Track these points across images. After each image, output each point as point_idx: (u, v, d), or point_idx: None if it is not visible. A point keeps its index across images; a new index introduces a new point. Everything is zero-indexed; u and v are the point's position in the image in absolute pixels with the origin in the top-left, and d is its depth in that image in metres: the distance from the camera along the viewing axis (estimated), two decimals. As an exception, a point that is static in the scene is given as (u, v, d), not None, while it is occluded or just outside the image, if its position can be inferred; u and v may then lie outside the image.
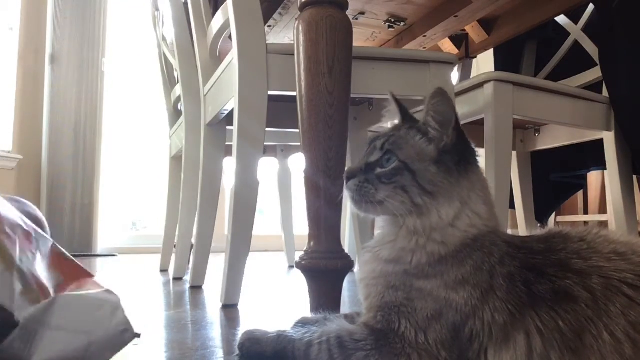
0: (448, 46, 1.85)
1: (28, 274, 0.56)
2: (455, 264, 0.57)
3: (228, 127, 1.56)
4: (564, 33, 1.82)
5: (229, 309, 1.15)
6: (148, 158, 3.52)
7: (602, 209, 3.49)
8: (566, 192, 2.14)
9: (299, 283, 1.07)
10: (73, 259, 0.68)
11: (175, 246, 1.97)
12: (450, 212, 0.60)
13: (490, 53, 2.05)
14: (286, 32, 1.64)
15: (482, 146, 1.39)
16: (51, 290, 0.59)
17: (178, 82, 1.90)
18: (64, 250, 0.68)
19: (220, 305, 1.18)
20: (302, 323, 0.75)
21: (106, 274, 2.04)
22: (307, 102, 0.98)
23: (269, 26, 1.60)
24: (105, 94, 3.30)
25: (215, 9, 1.44)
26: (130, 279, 1.87)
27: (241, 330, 0.67)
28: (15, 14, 3.14)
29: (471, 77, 1.91)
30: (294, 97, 1.03)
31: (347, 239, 2.17)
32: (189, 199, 1.84)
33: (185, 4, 1.76)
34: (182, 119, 1.87)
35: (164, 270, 2.10)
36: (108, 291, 0.61)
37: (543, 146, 1.86)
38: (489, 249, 0.57)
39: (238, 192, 1.16)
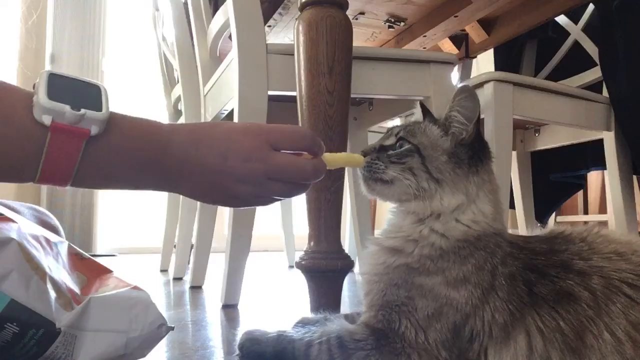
0: (448, 46, 1.85)
1: (59, 281, 0.57)
2: (457, 261, 0.57)
3: (228, 127, 1.56)
4: (564, 33, 1.81)
5: (229, 309, 1.15)
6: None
7: (602, 209, 3.49)
8: (566, 192, 2.14)
9: (299, 283, 1.07)
10: (89, 256, 0.69)
11: (175, 246, 1.97)
12: (453, 202, 0.60)
13: (490, 53, 2.05)
14: (286, 32, 1.64)
15: (482, 146, 1.38)
16: (79, 292, 0.60)
17: (178, 82, 1.90)
18: (79, 249, 0.69)
19: (220, 305, 1.18)
20: (302, 323, 0.75)
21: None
22: (307, 102, 0.98)
23: (269, 26, 1.60)
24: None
25: (215, 9, 1.44)
26: (131, 279, 1.87)
27: (241, 330, 0.67)
28: (15, 14, 3.14)
29: (471, 77, 1.91)
30: (294, 97, 1.03)
31: (347, 239, 2.17)
32: (188, 199, 1.83)
33: (185, 4, 1.76)
34: (182, 119, 1.87)
35: (164, 270, 2.10)
36: (136, 288, 0.61)
37: (543, 146, 1.86)
38: (491, 250, 0.58)
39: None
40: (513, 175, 1.92)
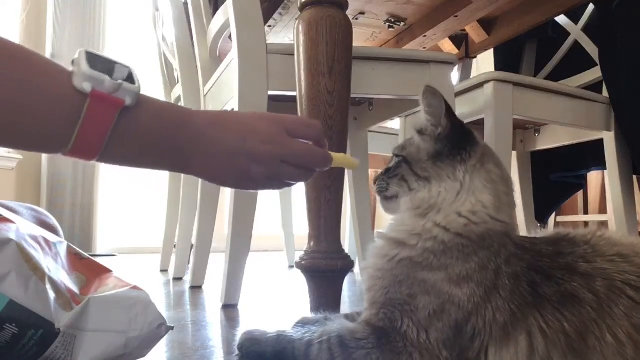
0: (448, 46, 1.85)
1: (58, 281, 0.57)
2: (460, 258, 0.58)
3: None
4: (564, 33, 1.81)
5: (229, 309, 1.15)
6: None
7: (602, 209, 3.49)
8: (566, 192, 2.14)
9: (299, 283, 1.07)
10: (88, 256, 0.69)
11: (175, 246, 1.97)
12: (443, 192, 0.62)
13: (490, 53, 2.05)
14: (286, 32, 1.64)
15: (482, 146, 1.38)
16: (78, 293, 0.60)
17: (178, 82, 1.90)
18: (78, 249, 0.69)
19: (220, 305, 1.18)
20: (302, 323, 0.75)
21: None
22: (307, 102, 0.98)
23: (269, 26, 1.60)
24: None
25: (215, 9, 1.44)
26: (131, 279, 1.87)
27: (241, 330, 0.67)
28: (15, 13, 3.14)
29: (471, 77, 1.91)
30: (294, 97, 1.03)
31: (347, 239, 2.17)
32: (189, 199, 1.84)
33: (185, 4, 1.76)
34: (182, 119, 1.87)
35: (164, 270, 2.10)
36: (136, 288, 0.61)
37: (543, 146, 1.86)
38: (496, 250, 0.58)
39: (238, 192, 1.16)
40: (513, 175, 1.91)
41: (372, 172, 2.12)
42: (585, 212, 3.61)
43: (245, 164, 0.58)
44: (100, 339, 0.56)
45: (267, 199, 3.10)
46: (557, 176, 2.00)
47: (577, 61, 1.76)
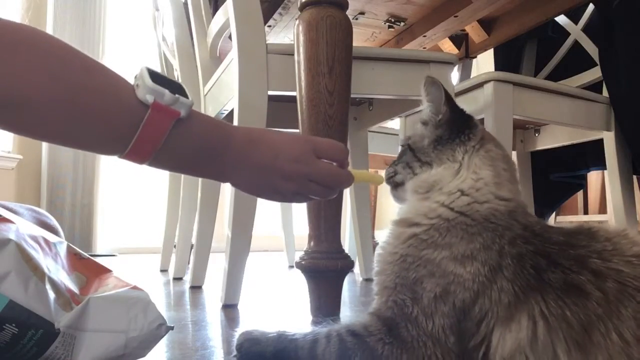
0: (448, 46, 1.85)
1: (57, 281, 0.57)
2: (465, 238, 0.58)
3: (228, 127, 1.56)
4: (564, 33, 1.81)
5: (229, 309, 1.15)
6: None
7: (602, 209, 3.48)
8: (566, 192, 2.14)
9: (299, 283, 1.07)
10: (88, 256, 0.69)
11: (175, 246, 1.97)
12: (443, 171, 0.65)
13: (490, 53, 2.05)
14: (286, 32, 1.64)
15: (482, 146, 1.38)
16: (78, 292, 0.60)
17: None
18: (78, 249, 0.69)
19: (220, 305, 1.18)
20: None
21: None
22: (307, 102, 0.98)
23: (269, 26, 1.60)
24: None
25: (215, 9, 1.44)
26: (131, 279, 1.87)
27: (241, 331, 0.67)
28: (15, 13, 3.14)
29: (471, 77, 1.91)
30: (294, 97, 1.03)
31: (347, 239, 2.18)
32: (189, 199, 1.84)
33: (185, 4, 1.76)
34: (182, 119, 1.87)
35: (164, 270, 2.10)
36: (136, 288, 0.62)
37: (543, 146, 1.86)
38: (500, 232, 0.57)
39: (238, 193, 1.16)
40: (513, 175, 1.91)
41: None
42: (585, 212, 3.61)
43: (275, 179, 0.65)
44: (100, 339, 0.56)
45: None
46: (557, 176, 2.00)
47: (577, 61, 1.76)
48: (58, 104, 0.51)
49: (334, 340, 0.59)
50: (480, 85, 1.35)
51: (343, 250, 1.00)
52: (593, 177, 3.46)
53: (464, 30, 1.78)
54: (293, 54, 1.02)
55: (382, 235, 0.68)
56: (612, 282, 0.52)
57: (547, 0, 1.54)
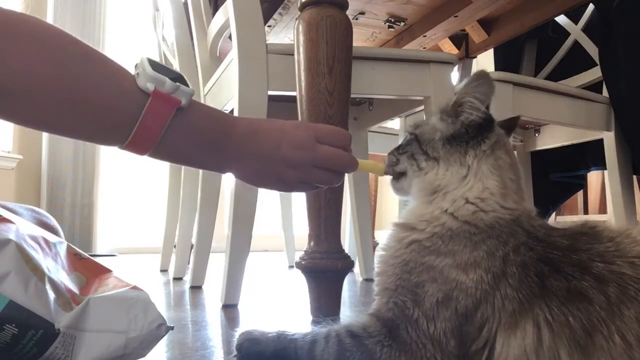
0: (448, 46, 1.85)
1: (57, 281, 0.57)
2: (468, 245, 0.57)
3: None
4: (564, 33, 1.81)
5: (229, 309, 1.15)
6: (148, 158, 3.51)
7: (602, 209, 3.48)
8: (566, 192, 2.14)
9: (299, 283, 1.07)
10: (88, 256, 0.69)
11: (175, 246, 1.97)
12: (450, 175, 0.63)
13: (490, 53, 2.05)
14: (286, 32, 1.64)
15: (482, 146, 1.38)
16: (78, 293, 0.60)
17: (178, 82, 1.89)
18: (78, 249, 0.69)
19: (220, 305, 1.18)
20: None
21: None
22: (307, 102, 0.98)
23: (269, 26, 1.60)
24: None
25: (215, 9, 1.44)
26: (131, 279, 1.87)
27: (241, 331, 0.67)
28: (15, 14, 3.14)
29: (471, 77, 1.90)
30: (294, 97, 1.03)
31: (347, 239, 2.17)
32: (189, 199, 1.84)
33: (185, 4, 1.76)
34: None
35: (164, 270, 2.10)
36: (135, 288, 0.62)
37: (543, 146, 1.86)
38: (504, 239, 0.57)
39: (238, 192, 1.16)
40: (513, 175, 1.91)
41: (371, 173, 2.12)
42: (585, 212, 3.61)
43: (279, 168, 0.64)
44: (100, 339, 0.56)
45: (267, 199, 3.10)
46: (557, 176, 2.00)
47: (577, 61, 1.76)
48: (58, 93, 0.51)
49: (332, 341, 0.58)
50: (480, 85, 1.35)
51: (343, 250, 1.00)
52: (593, 177, 3.45)
53: (464, 30, 1.77)
54: (293, 54, 1.02)
55: (384, 236, 0.67)
56: (615, 286, 0.51)
57: (547, 0, 1.54)
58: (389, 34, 1.72)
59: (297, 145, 0.64)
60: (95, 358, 0.55)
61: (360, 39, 1.73)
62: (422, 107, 1.34)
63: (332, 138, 0.67)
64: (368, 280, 1.71)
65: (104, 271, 0.68)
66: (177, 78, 0.57)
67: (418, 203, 0.65)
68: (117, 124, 0.55)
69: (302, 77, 0.99)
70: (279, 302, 1.36)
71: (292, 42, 1.02)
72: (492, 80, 0.66)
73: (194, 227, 1.70)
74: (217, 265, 1.64)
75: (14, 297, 0.52)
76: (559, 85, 1.51)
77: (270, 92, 1.14)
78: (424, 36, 1.64)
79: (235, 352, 0.66)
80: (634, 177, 1.64)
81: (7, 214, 0.59)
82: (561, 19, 1.80)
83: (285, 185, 0.66)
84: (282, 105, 1.41)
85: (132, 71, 0.57)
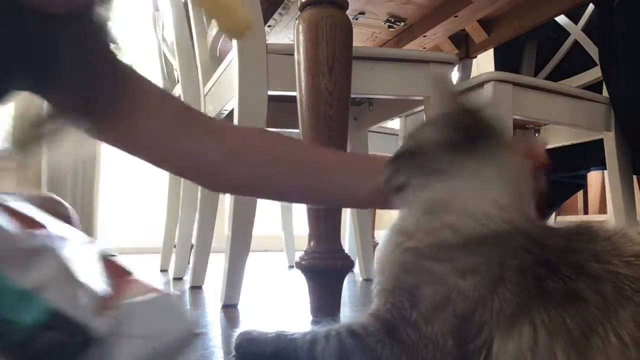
0: (448, 46, 1.85)
1: (90, 286, 0.57)
2: (466, 253, 0.56)
3: (228, 127, 1.56)
4: (564, 33, 1.81)
5: (229, 309, 1.15)
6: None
7: (602, 209, 3.48)
8: (566, 192, 2.14)
9: (299, 283, 1.07)
10: (111, 256, 0.68)
11: (175, 246, 1.97)
12: (453, 187, 0.59)
13: (490, 53, 2.05)
14: (286, 32, 1.64)
15: (482, 146, 1.38)
16: (106, 296, 0.60)
17: (178, 82, 1.90)
18: (102, 249, 0.68)
19: (220, 305, 1.18)
20: None
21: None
22: (307, 102, 0.98)
23: (269, 26, 1.60)
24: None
25: (215, 9, 1.44)
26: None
27: (241, 331, 0.67)
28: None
29: (471, 77, 1.91)
30: (294, 97, 1.03)
31: (347, 239, 2.17)
32: (189, 199, 1.84)
33: (185, 4, 1.76)
34: (182, 119, 1.87)
35: (164, 270, 2.10)
36: (163, 292, 0.61)
37: (543, 146, 1.86)
38: (502, 244, 0.56)
39: (238, 192, 1.16)
40: (513, 175, 1.91)
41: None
42: (585, 212, 3.61)
43: None
44: (133, 345, 0.56)
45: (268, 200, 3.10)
46: (557, 176, 2.00)
47: (577, 61, 1.76)
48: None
49: (333, 340, 0.58)
50: (480, 85, 1.35)
51: (343, 250, 1.00)
52: (593, 177, 3.46)
53: (464, 30, 1.77)
54: (293, 54, 1.02)
55: (382, 236, 0.67)
56: (611, 286, 0.52)
57: (547, 0, 1.54)
58: (389, 34, 1.72)
59: None
60: None
61: (360, 39, 1.73)
62: (422, 107, 1.34)
63: None
64: (368, 280, 1.71)
65: (126, 273, 0.67)
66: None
67: (415, 211, 0.62)
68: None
69: (302, 77, 0.99)
70: (279, 302, 1.36)
71: (292, 42, 1.02)
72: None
73: (194, 227, 1.70)
74: (217, 265, 1.64)
75: (54, 305, 0.52)
76: (559, 85, 1.51)
77: (270, 92, 1.14)
78: (424, 36, 1.64)
79: (233, 352, 0.66)
80: (634, 177, 1.64)
81: (38, 216, 0.59)
82: (561, 19, 1.80)
83: None
84: (282, 105, 1.41)
85: None
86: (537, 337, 0.51)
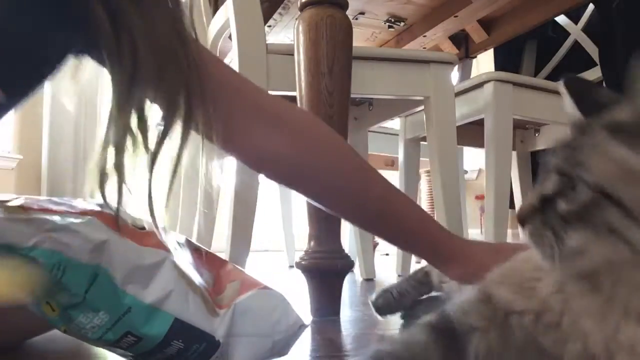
0: (448, 46, 1.85)
1: (201, 288, 0.57)
2: None
3: (228, 127, 1.56)
4: (564, 33, 1.82)
5: (229, 309, 1.15)
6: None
7: (602, 209, 3.49)
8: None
9: (299, 283, 1.07)
10: (206, 249, 0.67)
11: (175, 246, 1.97)
12: None
13: (490, 53, 2.05)
14: (286, 32, 1.64)
15: (482, 146, 1.39)
16: (213, 294, 0.60)
17: (178, 82, 1.89)
18: (196, 243, 0.68)
19: (220, 305, 1.18)
20: None
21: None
22: (307, 102, 0.98)
23: (269, 26, 1.60)
24: (105, 93, 3.30)
25: (215, 9, 1.44)
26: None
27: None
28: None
29: (471, 77, 1.91)
30: (294, 97, 1.03)
31: (347, 239, 2.17)
32: (189, 199, 1.84)
33: (185, 4, 1.76)
34: (182, 119, 1.87)
35: (164, 270, 2.09)
36: (268, 288, 0.62)
37: (543, 146, 1.86)
38: None
39: (238, 192, 1.16)
40: (513, 175, 1.92)
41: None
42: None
43: None
44: (248, 343, 0.57)
45: (268, 199, 3.10)
46: (557, 176, 2.00)
47: (577, 61, 1.76)
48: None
49: None
50: (480, 85, 1.35)
51: (343, 250, 1.00)
52: (593, 177, 3.45)
53: (464, 30, 1.78)
54: (293, 54, 1.02)
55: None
56: None
57: (547, 0, 1.54)
58: (389, 34, 1.72)
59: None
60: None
61: (360, 39, 1.73)
62: (422, 107, 1.34)
63: None
64: (368, 280, 1.71)
65: (223, 263, 0.67)
66: None
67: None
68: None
69: (302, 77, 0.99)
70: (279, 302, 1.36)
71: (292, 42, 1.02)
72: None
73: (194, 227, 1.69)
74: (217, 265, 1.64)
75: (178, 315, 0.53)
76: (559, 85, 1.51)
77: (270, 92, 1.14)
78: (424, 36, 1.64)
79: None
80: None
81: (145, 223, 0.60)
82: (561, 19, 1.80)
83: None
84: (282, 105, 1.41)
85: None
86: None
